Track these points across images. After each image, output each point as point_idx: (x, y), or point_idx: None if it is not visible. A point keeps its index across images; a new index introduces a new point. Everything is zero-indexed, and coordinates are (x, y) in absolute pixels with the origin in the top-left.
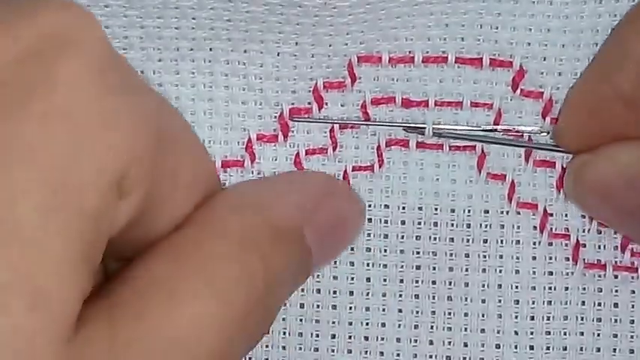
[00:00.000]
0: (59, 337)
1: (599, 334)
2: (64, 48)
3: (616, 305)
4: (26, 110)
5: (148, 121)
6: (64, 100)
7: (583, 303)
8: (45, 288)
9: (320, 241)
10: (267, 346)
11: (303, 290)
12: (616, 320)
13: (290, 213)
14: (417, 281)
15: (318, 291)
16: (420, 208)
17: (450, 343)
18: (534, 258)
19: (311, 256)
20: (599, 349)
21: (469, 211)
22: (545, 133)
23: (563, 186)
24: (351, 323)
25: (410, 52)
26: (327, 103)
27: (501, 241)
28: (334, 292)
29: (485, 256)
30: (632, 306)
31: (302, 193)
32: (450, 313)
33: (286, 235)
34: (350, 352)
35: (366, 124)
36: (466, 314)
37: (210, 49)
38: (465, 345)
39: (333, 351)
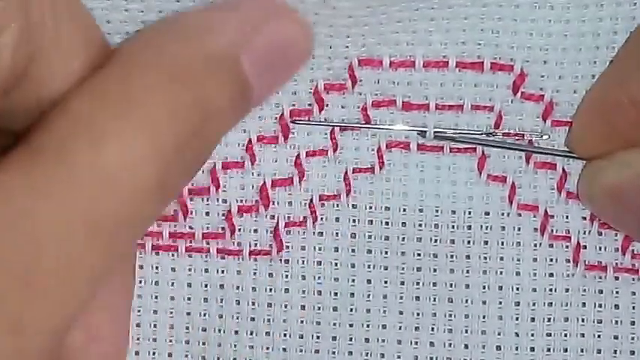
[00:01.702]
0: None
1: (599, 336)
2: None
3: (617, 307)
4: None
5: None
6: None
7: (584, 304)
8: None
9: (260, 69)
10: (267, 348)
11: (304, 292)
12: (617, 322)
13: (224, 40)
14: (417, 283)
15: (319, 293)
16: (421, 210)
17: (450, 344)
18: (535, 260)
19: (249, 85)
20: (599, 351)
21: (470, 212)
22: (546, 136)
23: (578, 192)
24: (351, 325)
25: (411, 56)
26: (327, 105)
27: (502, 243)
28: (335, 294)
29: (485, 258)
30: (633, 307)
31: (239, 19)
32: (450, 315)
33: (220, 63)
34: (351, 354)
35: (367, 127)
36: (467, 316)
37: None
38: (466, 347)
39: (334, 353)
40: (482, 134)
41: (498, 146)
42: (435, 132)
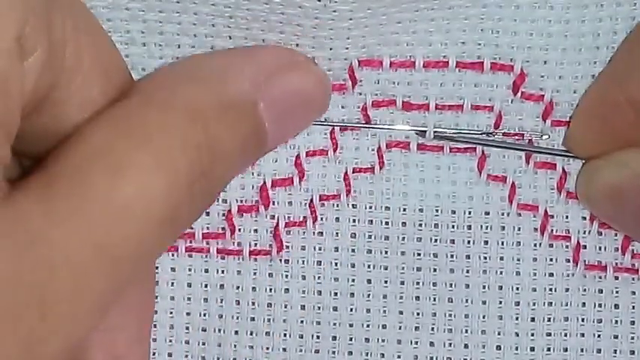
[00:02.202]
0: None
1: (599, 336)
2: None
3: (616, 306)
4: None
5: None
6: None
7: (584, 304)
8: None
9: (276, 116)
10: (267, 348)
11: (304, 292)
12: (616, 321)
13: (242, 86)
14: (417, 283)
15: (319, 292)
16: (421, 210)
17: (450, 344)
18: (535, 259)
19: (264, 131)
20: (599, 351)
21: (470, 212)
22: (546, 136)
23: (576, 191)
24: (351, 325)
25: (411, 56)
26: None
27: (502, 243)
28: (335, 294)
29: (485, 258)
30: (633, 307)
31: (257, 66)
32: (450, 315)
33: (236, 108)
34: (351, 353)
35: (367, 127)
36: (467, 316)
37: (212, 47)
38: (466, 346)
39: (334, 353)
40: (482, 134)
41: (498, 146)
42: (434, 132)
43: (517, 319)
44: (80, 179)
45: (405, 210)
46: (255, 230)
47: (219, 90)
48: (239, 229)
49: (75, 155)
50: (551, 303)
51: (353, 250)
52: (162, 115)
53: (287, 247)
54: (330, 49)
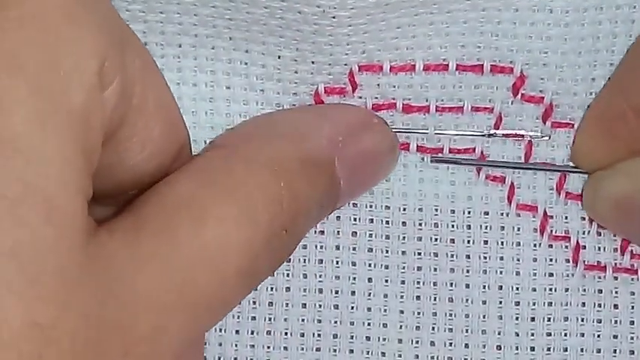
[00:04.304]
0: (76, 244)
1: (599, 336)
2: None
3: (616, 307)
4: (2, 17)
5: (111, 17)
6: (34, 4)
7: (583, 304)
8: (54, 196)
9: (350, 174)
10: (268, 347)
11: (305, 290)
12: (616, 321)
13: (322, 144)
14: (418, 282)
15: (320, 291)
16: (421, 209)
17: (451, 344)
18: (535, 260)
19: (339, 188)
20: (599, 351)
21: (469, 212)
22: (546, 137)
23: (583, 203)
24: (352, 323)
25: (411, 60)
26: None
27: (502, 243)
28: (336, 293)
29: (485, 258)
30: (632, 307)
31: (335, 125)
32: (451, 314)
33: (316, 165)
34: (352, 352)
35: None
36: (467, 315)
37: (213, 48)
38: (466, 346)
39: (334, 351)
40: (482, 135)
41: (525, 168)
42: (432, 157)
43: (517, 319)
44: (165, 225)
45: (404, 209)
46: None
47: (300, 146)
48: None
49: (161, 202)
50: (551, 303)
51: (354, 249)
52: (246, 169)
53: None
54: (330, 54)
